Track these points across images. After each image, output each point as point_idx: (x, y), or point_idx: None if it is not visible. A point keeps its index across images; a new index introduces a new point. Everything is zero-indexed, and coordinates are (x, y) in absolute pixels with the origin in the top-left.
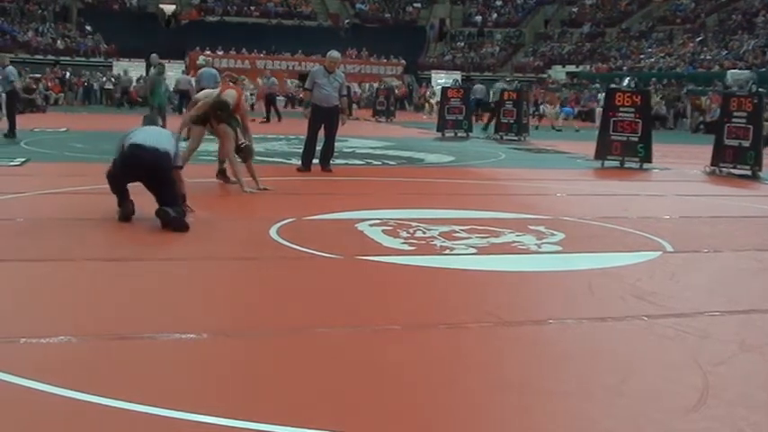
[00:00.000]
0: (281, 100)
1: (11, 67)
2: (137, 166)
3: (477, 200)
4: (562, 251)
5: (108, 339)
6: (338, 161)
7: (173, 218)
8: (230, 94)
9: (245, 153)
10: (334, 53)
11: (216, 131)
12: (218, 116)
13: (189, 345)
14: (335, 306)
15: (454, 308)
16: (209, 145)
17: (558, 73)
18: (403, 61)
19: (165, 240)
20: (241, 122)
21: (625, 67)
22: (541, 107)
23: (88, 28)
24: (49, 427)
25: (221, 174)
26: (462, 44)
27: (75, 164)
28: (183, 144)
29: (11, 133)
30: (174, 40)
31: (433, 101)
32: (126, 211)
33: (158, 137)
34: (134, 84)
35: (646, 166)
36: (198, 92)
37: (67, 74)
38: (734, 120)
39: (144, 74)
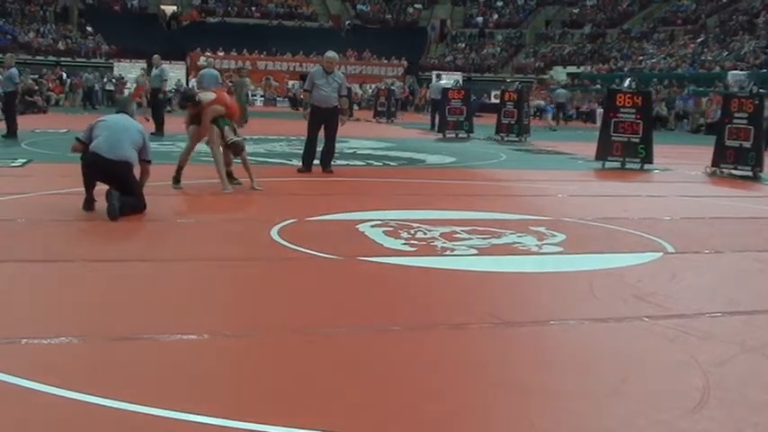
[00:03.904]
0: (281, 101)
1: (14, 68)
2: (96, 173)
3: (478, 201)
4: (563, 252)
5: (109, 340)
6: (339, 162)
7: (111, 202)
8: (208, 96)
9: (234, 149)
10: (331, 53)
11: (204, 129)
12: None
13: (190, 345)
14: (337, 307)
15: (455, 308)
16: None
17: (559, 74)
18: (405, 62)
19: (166, 241)
20: (230, 122)
21: (626, 68)
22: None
23: (89, 29)
24: (49, 427)
25: (228, 175)
26: (463, 45)
27: (76, 165)
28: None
29: (11, 134)
30: (174, 41)
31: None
32: (87, 207)
33: (121, 137)
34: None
35: (647, 166)
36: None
37: (64, 74)
38: (735, 120)
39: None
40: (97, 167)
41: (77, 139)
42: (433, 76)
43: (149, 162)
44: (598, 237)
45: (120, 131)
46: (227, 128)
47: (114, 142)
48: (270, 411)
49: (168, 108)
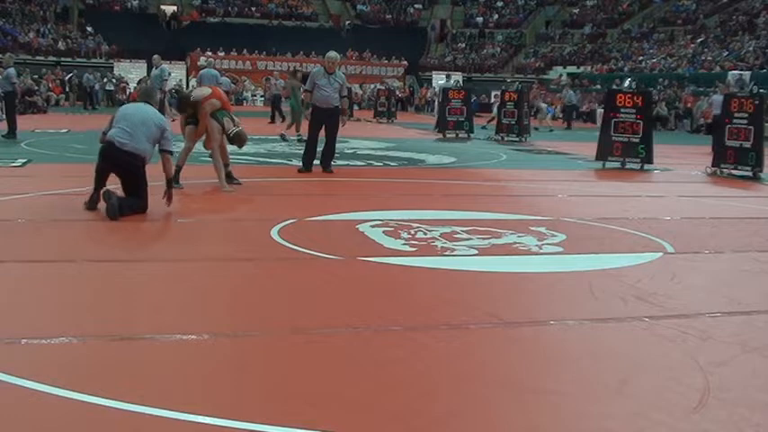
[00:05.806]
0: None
1: (12, 68)
2: (110, 164)
3: (479, 201)
4: (563, 252)
5: (109, 340)
6: (339, 162)
7: (110, 202)
8: (203, 92)
9: (237, 141)
10: (332, 53)
11: (203, 126)
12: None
13: (190, 345)
14: (336, 307)
15: (455, 309)
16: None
17: (559, 74)
18: (405, 62)
19: (166, 241)
20: (228, 113)
21: (626, 68)
22: (535, 104)
23: (89, 29)
24: (49, 427)
25: (228, 176)
26: (463, 45)
27: (76, 165)
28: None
29: (11, 134)
30: (174, 41)
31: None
32: (91, 203)
33: (138, 129)
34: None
35: (647, 166)
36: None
37: (67, 75)
38: (735, 120)
39: (145, 75)
40: (109, 159)
41: (103, 132)
42: (443, 76)
43: (171, 153)
44: (598, 237)
45: (138, 124)
46: (226, 119)
47: (131, 134)
48: (270, 411)
49: (173, 118)
